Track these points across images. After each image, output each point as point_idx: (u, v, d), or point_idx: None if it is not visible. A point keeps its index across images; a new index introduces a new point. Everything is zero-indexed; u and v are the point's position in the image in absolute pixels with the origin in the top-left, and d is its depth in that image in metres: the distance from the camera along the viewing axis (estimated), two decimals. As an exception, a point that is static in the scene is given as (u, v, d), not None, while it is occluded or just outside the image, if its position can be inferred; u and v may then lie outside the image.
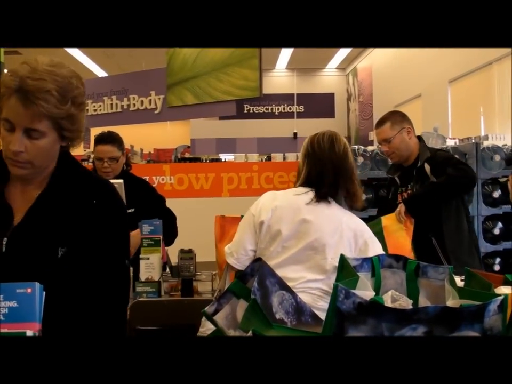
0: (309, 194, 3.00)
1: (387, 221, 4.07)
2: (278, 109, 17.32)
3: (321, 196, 2.99)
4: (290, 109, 17.35)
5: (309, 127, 16.25)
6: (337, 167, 3.01)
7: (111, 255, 2.04)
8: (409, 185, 4.41)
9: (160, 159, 13.32)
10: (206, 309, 1.88)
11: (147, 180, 5.32)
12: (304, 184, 3.06)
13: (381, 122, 4.50)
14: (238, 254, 3.03)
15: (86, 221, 2.00)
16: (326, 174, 3.01)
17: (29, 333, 1.32)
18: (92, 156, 11.45)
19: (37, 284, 1.38)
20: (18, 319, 1.36)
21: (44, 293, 1.41)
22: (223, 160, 12.25)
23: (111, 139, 4.35)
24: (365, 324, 1.33)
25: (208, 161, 10.77)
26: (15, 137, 1.90)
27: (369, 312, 1.33)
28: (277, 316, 1.78)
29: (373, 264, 1.78)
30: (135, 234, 3.91)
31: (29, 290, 1.38)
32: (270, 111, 17.24)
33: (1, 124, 1.94)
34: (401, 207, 4.13)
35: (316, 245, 2.91)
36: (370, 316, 1.33)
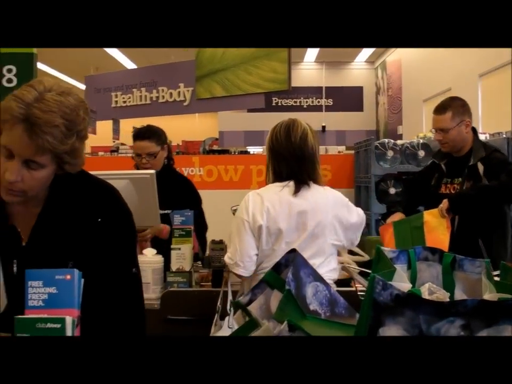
0: (290, 185, 3.06)
1: (429, 216, 4.00)
2: (307, 102, 17.26)
3: (301, 183, 3.06)
4: (318, 102, 17.28)
5: (337, 121, 16.19)
6: (297, 155, 3.07)
7: (117, 266, 2.01)
8: (456, 179, 4.28)
9: (188, 151, 13.34)
10: (240, 299, 1.89)
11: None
12: (278, 180, 3.11)
13: (441, 109, 4.26)
14: (244, 262, 3.06)
15: (91, 237, 1.96)
16: (289, 165, 3.07)
17: (68, 319, 1.33)
18: (121, 147, 11.54)
19: (76, 271, 1.40)
20: (58, 305, 1.38)
21: (83, 280, 1.43)
22: (251, 152, 12.23)
23: (148, 134, 4.21)
24: (402, 316, 1.33)
25: (236, 153, 10.75)
26: (13, 166, 1.81)
27: (407, 304, 1.32)
28: (311, 307, 1.78)
29: (409, 257, 1.77)
30: (164, 228, 3.93)
31: (68, 276, 1.39)
32: (298, 104, 17.18)
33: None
34: (445, 204, 3.99)
35: (316, 231, 3.03)
36: (408, 308, 1.32)
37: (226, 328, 2.34)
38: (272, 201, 3.05)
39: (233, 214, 3.89)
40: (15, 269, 1.87)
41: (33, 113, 1.76)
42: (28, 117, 1.76)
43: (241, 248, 3.05)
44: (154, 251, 3.54)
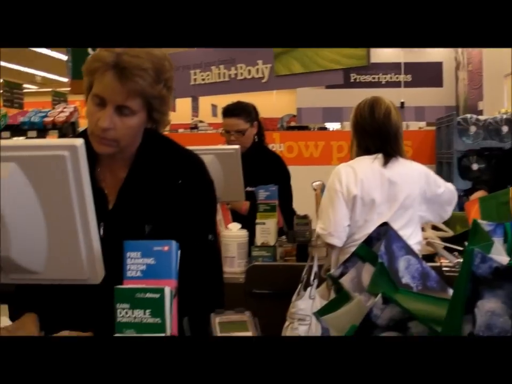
0: (379, 157, 3.14)
1: None
2: (385, 78, 17.02)
3: (389, 156, 3.15)
4: (397, 78, 17.03)
5: (416, 97, 15.95)
6: (381, 131, 3.16)
7: (194, 230, 2.03)
8: None
9: (266, 128, 13.33)
10: (331, 272, 1.89)
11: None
12: (365, 154, 3.19)
13: None
14: (338, 232, 3.12)
15: (171, 200, 1.99)
16: (374, 140, 3.16)
17: (167, 290, 1.35)
18: (199, 124, 11.63)
19: (174, 242, 1.41)
20: (156, 275, 1.40)
21: (179, 252, 1.45)
22: (330, 129, 12.16)
23: (237, 111, 4.16)
24: (501, 289, 1.31)
25: (315, 129, 10.72)
26: (105, 114, 1.87)
27: (506, 277, 1.30)
28: (403, 281, 1.77)
29: (506, 230, 1.74)
30: (244, 203, 3.94)
31: (166, 248, 1.41)
32: (376, 80, 16.97)
33: (91, 99, 1.91)
34: None
35: (406, 203, 3.13)
36: (507, 281, 1.31)
37: (307, 298, 2.35)
38: (365, 172, 3.12)
39: (314, 190, 3.91)
40: (101, 232, 1.91)
41: (122, 59, 1.85)
42: (118, 63, 1.85)
43: (335, 218, 3.11)
44: (239, 225, 3.56)
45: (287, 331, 2.23)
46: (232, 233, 3.50)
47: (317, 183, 3.91)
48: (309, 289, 2.54)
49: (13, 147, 1.44)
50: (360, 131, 3.21)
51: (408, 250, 1.85)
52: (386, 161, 3.13)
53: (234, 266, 3.44)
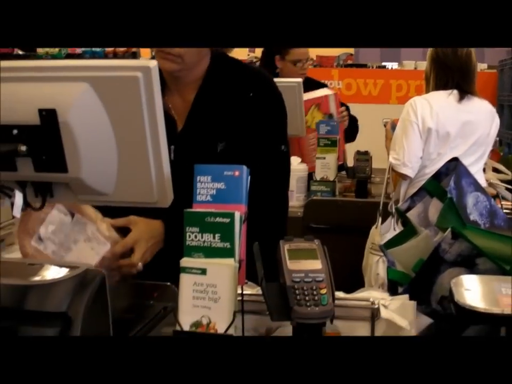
0: (455, 93, 3.22)
1: None
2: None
3: (464, 92, 3.23)
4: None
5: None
6: (462, 68, 3.23)
7: (267, 142, 2.04)
8: None
9: (323, 65, 13.16)
10: (399, 205, 1.88)
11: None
12: (441, 88, 3.26)
13: None
14: (413, 163, 3.18)
15: (243, 114, 2.00)
16: (454, 76, 3.23)
17: (237, 215, 1.34)
18: (255, 60, 11.52)
19: (244, 167, 1.40)
20: (225, 200, 1.39)
21: (249, 177, 1.43)
22: (388, 68, 11.94)
23: None
24: None
25: (374, 68, 10.54)
26: None
27: None
28: (471, 217, 1.76)
29: None
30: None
31: (237, 173, 1.40)
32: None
33: None
34: None
35: (481, 140, 3.24)
36: None
37: (392, 230, 2.39)
38: (440, 105, 3.18)
39: (384, 126, 3.89)
40: (172, 155, 1.92)
41: None
42: None
43: (410, 149, 3.16)
44: (299, 159, 3.55)
45: (379, 264, 2.25)
46: (291, 166, 3.48)
47: (387, 119, 3.92)
48: (391, 221, 2.58)
49: (85, 67, 1.43)
50: (441, 66, 3.25)
51: (477, 186, 1.83)
52: (461, 97, 3.18)
53: (293, 200, 3.44)
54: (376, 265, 2.40)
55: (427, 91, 3.33)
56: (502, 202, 3.36)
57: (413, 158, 3.17)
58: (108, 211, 1.78)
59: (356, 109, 5.77)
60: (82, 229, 1.75)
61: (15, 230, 1.82)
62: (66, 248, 1.72)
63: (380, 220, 2.69)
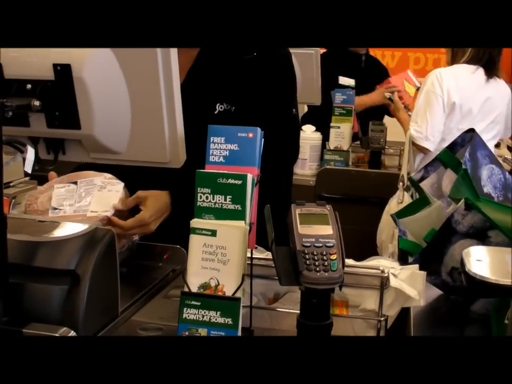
0: (480, 71, 3.18)
1: None
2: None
3: (490, 70, 3.20)
4: None
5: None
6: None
7: (276, 107, 1.99)
8: None
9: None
10: (412, 175, 1.86)
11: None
12: (470, 62, 3.20)
13: None
14: (435, 137, 3.15)
15: (248, 75, 1.95)
16: (485, 51, 3.17)
17: (249, 177, 1.33)
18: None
19: (258, 130, 1.38)
20: (238, 162, 1.37)
21: (263, 140, 1.41)
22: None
23: None
24: None
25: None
26: None
27: None
28: (485, 190, 1.74)
29: None
30: None
31: (251, 135, 1.38)
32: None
33: None
34: None
35: (499, 118, 3.24)
36: None
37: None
38: (466, 80, 3.16)
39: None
40: None
41: None
42: None
43: (433, 123, 3.14)
44: (313, 128, 3.53)
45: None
46: (305, 134, 3.47)
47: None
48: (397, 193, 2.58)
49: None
50: None
51: (492, 159, 1.81)
52: (488, 75, 3.17)
53: (305, 169, 3.44)
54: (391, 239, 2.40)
55: (452, 63, 3.27)
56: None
57: (435, 131, 3.14)
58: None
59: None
60: (91, 184, 1.75)
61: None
62: (84, 203, 1.71)
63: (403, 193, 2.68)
